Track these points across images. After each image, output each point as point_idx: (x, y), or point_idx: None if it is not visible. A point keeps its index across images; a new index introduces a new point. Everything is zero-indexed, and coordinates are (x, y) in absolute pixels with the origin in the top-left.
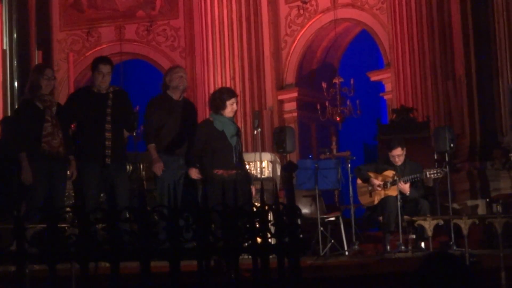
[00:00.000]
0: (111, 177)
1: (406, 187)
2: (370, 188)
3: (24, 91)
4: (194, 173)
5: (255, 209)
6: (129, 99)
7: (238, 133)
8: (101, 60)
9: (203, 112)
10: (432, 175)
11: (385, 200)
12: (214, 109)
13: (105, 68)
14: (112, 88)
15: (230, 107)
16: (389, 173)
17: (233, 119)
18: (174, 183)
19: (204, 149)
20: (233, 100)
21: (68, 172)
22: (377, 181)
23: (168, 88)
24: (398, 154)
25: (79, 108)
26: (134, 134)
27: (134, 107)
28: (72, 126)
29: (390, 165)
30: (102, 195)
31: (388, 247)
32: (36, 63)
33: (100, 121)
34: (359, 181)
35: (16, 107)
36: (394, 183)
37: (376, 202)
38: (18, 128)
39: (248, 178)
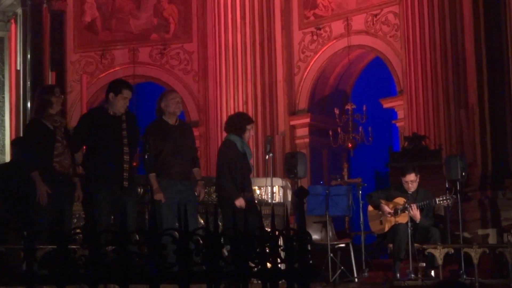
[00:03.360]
0: (123, 200)
1: (417, 214)
2: (380, 215)
3: (31, 113)
4: (241, 203)
5: (265, 234)
6: (137, 121)
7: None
8: (126, 85)
9: (216, 134)
10: (441, 202)
11: (395, 227)
12: (235, 131)
13: (129, 95)
14: (124, 111)
15: (249, 132)
16: (400, 200)
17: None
18: (185, 206)
19: (234, 169)
20: (251, 125)
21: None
22: (387, 208)
23: (164, 114)
24: (411, 180)
25: (96, 129)
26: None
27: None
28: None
29: (402, 192)
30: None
31: (398, 275)
32: (50, 83)
33: (118, 144)
34: (370, 208)
35: (25, 127)
36: (404, 210)
37: (386, 229)
38: (29, 148)
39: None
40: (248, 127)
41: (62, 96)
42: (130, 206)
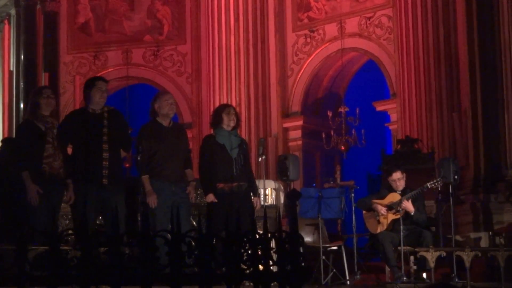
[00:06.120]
0: (108, 199)
1: (409, 205)
2: (376, 214)
3: (25, 113)
4: (211, 198)
5: (257, 236)
6: (124, 118)
7: (241, 145)
8: (98, 77)
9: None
10: (433, 185)
11: (378, 237)
12: (214, 125)
13: (103, 85)
14: (107, 108)
15: (226, 117)
16: (393, 196)
17: (236, 132)
18: (178, 208)
19: (210, 162)
20: (227, 110)
21: (65, 196)
22: (381, 206)
23: (158, 115)
24: (398, 178)
25: (76, 128)
26: (128, 153)
27: (129, 129)
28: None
29: (392, 191)
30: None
31: (390, 278)
32: (43, 85)
33: (97, 142)
34: (364, 211)
35: (17, 127)
36: (396, 204)
37: (385, 227)
38: (19, 148)
39: (252, 190)
40: (223, 113)
41: (53, 97)
42: (117, 205)
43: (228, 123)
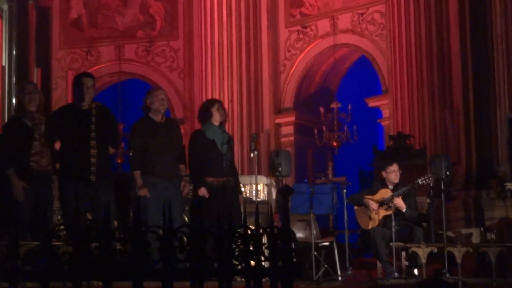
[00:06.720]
0: (96, 195)
1: (400, 202)
2: (367, 210)
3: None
4: (203, 192)
5: (249, 232)
6: (113, 114)
7: (229, 141)
8: (84, 74)
9: None
10: (424, 182)
11: (370, 233)
12: (202, 120)
13: (88, 81)
14: (95, 104)
15: (216, 113)
16: (385, 192)
17: (223, 128)
18: (169, 204)
19: (200, 157)
20: (216, 105)
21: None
22: (372, 202)
23: (150, 111)
24: (395, 170)
25: (63, 125)
26: (117, 150)
27: (119, 125)
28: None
29: (385, 186)
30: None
31: (381, 274)
32: (35, 80)
33: (85, 138)
34: (356, 207)
35: (4, 124)
36: (388, 200)
37: (377, 223)
38: (6, 144)
39: (237, 186)
40: (213, 108)
41: (36, 92)
42: (103, 201)
43: (218, 118)
